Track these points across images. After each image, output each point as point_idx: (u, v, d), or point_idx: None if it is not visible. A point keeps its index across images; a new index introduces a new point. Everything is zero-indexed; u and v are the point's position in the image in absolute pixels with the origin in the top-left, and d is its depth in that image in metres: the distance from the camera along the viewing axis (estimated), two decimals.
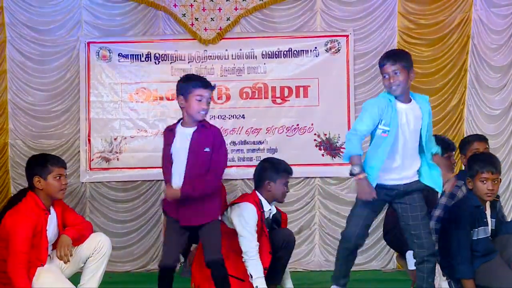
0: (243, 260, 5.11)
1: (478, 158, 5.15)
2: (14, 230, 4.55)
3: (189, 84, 4.70)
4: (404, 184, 4.58)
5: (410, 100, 4.60)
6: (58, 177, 4.77)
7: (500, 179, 5.10)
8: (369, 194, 4.43)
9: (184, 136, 4.69)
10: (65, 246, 4.67)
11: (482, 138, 5.99)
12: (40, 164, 4.81)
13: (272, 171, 5.39)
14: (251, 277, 5.06)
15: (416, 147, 4.58)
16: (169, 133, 4.78)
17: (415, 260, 4.66)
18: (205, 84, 4.71)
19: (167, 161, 4.72)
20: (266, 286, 5.09)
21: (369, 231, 6.89)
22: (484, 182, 4.92)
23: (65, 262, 4.70)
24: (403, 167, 4.56)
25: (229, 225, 5.25)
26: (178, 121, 4.80)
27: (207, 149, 4.66)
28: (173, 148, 4.69)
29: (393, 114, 4.49)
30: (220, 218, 4.87)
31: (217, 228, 4.75)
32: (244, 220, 5.15)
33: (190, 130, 4.69)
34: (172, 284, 4.76)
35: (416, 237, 4.57)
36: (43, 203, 4.73)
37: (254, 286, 5.09)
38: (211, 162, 4.67)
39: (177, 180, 4.64)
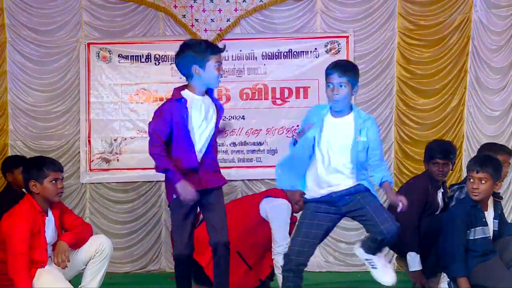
0: (274, 253, 5.25)
1: (471, 159, 5.24)
2: (11, 232, 4.55)
3: (207, 51, 4.39)
4: (335, 191, 4.28)
5: (345, 114, 4.32)
6: (54, 181, 4.75)
7: (499, 182, 5.10)
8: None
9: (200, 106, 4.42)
10: (61, 252, 4.67)
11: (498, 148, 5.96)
12: (35, 168, 4.79)
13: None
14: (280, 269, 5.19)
15: (344, 164, 4.26)
16: (178, 104, 4.38)
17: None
18: (220, 49, 4.46)
19: (185, 142, 4.36)
20: None
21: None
22: (471, 179, 4.99)
23: (62, 268, 4.70)
24: (329, 182, 4.28)
25: (263, 214, 5.36)
26: (179, 89, 4.47)
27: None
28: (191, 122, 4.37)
29: (319, 122, 4.29)
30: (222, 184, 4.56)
31: (223, 202, 4.49)
32: (286, 217, 5.32)
33: (206, 99, 4.45)
34: (191, 273, 4.58)
35: (373, 226, 4.23)
36: (40, 205, 4.73)
37: (280, 279, 5.20)
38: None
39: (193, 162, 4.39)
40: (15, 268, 4.50)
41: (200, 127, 4.37)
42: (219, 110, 4.52)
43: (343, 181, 4.27)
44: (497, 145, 6.15)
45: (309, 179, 4.36)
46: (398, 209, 4.24)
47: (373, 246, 4.34)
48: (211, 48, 4.41)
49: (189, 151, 4.35)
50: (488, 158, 5.20)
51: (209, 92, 4.48)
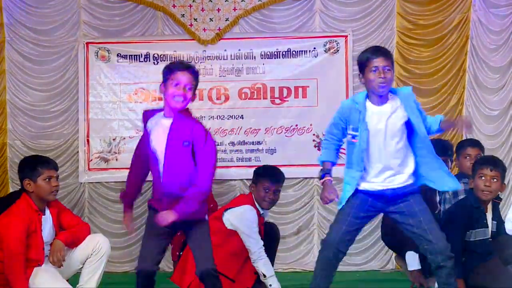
0: (252, 261, 5.20)
1: (481, 158, 5.21)
2: (7, 232, 4.56)
3: (169, 68, 4.31)
4: (392, 189, 4.26)
5: (386, 100, 4.27)
6: (47, 179, 4.76)
7: (505, 184, 5.12)
8: (328, 196, 4.20)
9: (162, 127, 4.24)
10: (57, 251, 4.68)
11: (475, 144, 5.97)
12: (29, 166, 4.81)
13: (254, 175, 5.52)
14: (264, 276, 5.16)
15: (401, 148, 4.24)
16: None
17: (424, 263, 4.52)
18: (183, 66, 4.29)
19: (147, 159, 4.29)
20: (279, 285, 5.18)
21: (367, 232, 7.03)
22: (482, 177, 4.95)
23: (58, 267, 4.70)
24: (386, 172, 4.25)
25: (228, 226, 5.31)
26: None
27: (186, 143, 4.16)
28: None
29: (361, 117, 4.22)
30: (206, 218, 4.37)
31: (208, 232, 4.30)
32: (250, 222, 5.24)
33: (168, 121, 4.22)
34: None
35: (426, 243, 4.22)
36: (36, 204, 4.74)
37: (268, 285, 5.18)
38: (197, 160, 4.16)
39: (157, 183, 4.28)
40: (11, 268, 4.51)
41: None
42: (195, 134, 4.17)
43: (399, 175, 4.24)
44: (471, 140, 6.21)
45: (364, 176, 4.28)
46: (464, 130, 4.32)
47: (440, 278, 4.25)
48: (173, 65, 4.33)
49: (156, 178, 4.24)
50: (498, 158, 5.22)
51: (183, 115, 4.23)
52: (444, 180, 4.29)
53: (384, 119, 4.21)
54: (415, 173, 4.31)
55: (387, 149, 4.21)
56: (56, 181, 4.84)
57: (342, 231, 4.24)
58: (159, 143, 4.17)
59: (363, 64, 4.24)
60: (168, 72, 4.28)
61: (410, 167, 4.28)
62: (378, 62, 4.17)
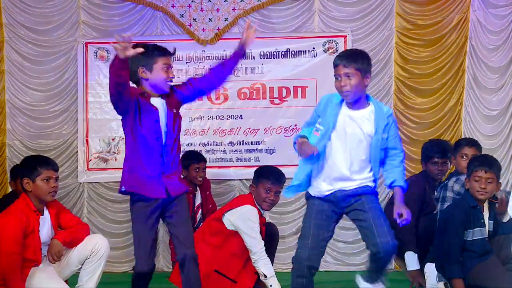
0: (253, 261, 5.20)
1: (476, 158, 5.20)
2: (4, 232, 4.57)
3: (153, 53, 4.36)
4: (342, 190, 4.14)
5: (361, 107, 4.16)
6: (46, 180, 4.76)
7: (500, 183, 5.12)
8: (307, 150, 4.01)
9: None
10: (55, 250, 4.68)
11: (473, 144, 5.95)
12: (29, 166, 4.81)
13: (255, 175, 5.51)
14: (265, 276, 5.16)
15: (362, 161, 4.14)
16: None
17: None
18: (168, 51, 4.41)
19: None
20: (279, 286, 5.18)
21: None
22: (477, 180, 4.96)
23: (53, 263, 4.71)
24: (338, 176, 4.14)
25: (229, 227, 5.31)
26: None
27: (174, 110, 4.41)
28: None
29: (333, 114, 4.13)
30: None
31: (188, 213, 4.44)
32: (252, 223, 5.24)
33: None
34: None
35: (370, 238, 4.08)
36: (34, 204, 4.74)
37: (268, 285, 5.18)
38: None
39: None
40: (7, 268, 4.51)
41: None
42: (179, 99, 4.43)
43: (351, 181, 4.13)
44: (469, 140, 6.21)
45: (316, 174, 4.19)
46: (398, 221, 4.08)
47: (371, 268, 4.19)
48: (158, 50, 4.36)
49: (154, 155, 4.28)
50: (493, 158, 5.23)
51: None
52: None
53: (353, 124, 4.12)
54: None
55: (347, 154, 4.12)
56: (55, 182, 4.84)
57: (309, 246, 4.11)
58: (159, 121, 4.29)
59: (334, 69, 4.17)
60: (158, 55, 4.34)
61: (366, 176, 4.18)
62: (339, 69, 4.09)
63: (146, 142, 4.25)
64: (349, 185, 4.14)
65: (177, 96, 4.43)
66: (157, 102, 4.34)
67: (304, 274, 4.12)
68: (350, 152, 4.11)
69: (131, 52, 4.02)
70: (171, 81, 4.37)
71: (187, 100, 4.53)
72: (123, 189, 4.36)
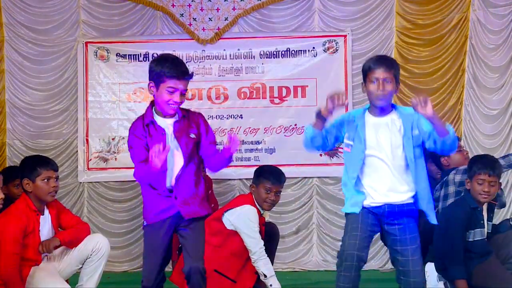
0: (253, 261, 5.20)
1: (477, 160, 5.17)
2: (3, 232, 4.56)
3: (163, 70, 4.12)
4: (388, 204, 4.07)
5: (387, 113, 4.15)
6: (46, 180, 4.76)
7: (500, 183, 5.12)
8: (331, 102, 3.92)
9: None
10: (48, 242, 4.69)
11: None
12: (29, 166, 4.82)
13: (255, 175, 5.50)
14: (265, 276, 5.15)
15: (401, 165, 4.08)
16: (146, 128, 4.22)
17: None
18: (180, 75, 4.12)
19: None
20: (279, 285, 5.18)
21: None
22: (481, 183, 4.94)
23: (42, 252, 4.71)
24: (383, 187, 4.07)
25: (229, 226, 5.30)
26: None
27: (193, 135, 4.23)
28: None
29: (358, 127, 4.10)
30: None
31: (203, 233, 4.31)
32: (251, 222, 5.24)
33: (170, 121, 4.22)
34: None
35: (403, 274, 4.08)
36: (35, 204, 4.74)
37: (268, 285, 5.18)
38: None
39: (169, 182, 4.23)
40: (6, 267, 4.51)
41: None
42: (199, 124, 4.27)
43: (400, 191, 4.07)
44: None
45: (364, 184, 4.13)
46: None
47: None
48: (170, 70, 4.10)
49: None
50: (495, 159, 5.22)
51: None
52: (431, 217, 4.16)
53: (383, 130, 4.10)
54: (415, 195, 4.14)
55: (386, 163, 4.08)
56: (55, 182, 4.83)
57: (358, 237, 3.99)
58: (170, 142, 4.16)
59: (365, 73, 4.13)
60: (162, 75, 4.12)
61: (410, 186, 4.11)
62: (379, 73, 4.05)
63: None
64: (393, 200, 4.07)
65: (198, 122, 4.30)
66: (164, 124, 4.21)
67: (352, 267, 3.93)
68: (389, 161, 4.08)
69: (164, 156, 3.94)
70: (175, 105, 4.15)
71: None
72: (145, 223, 4.33)
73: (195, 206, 4.24)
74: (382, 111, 4.13)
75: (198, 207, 4.27)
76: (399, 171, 4.09)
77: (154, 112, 4.24)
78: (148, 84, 4.19)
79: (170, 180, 4.20)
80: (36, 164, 4.82)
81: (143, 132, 4.17)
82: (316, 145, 4.17)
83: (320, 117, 4.03)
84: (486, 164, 5.02)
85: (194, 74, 4.27)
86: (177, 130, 4.19)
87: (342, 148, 4.30)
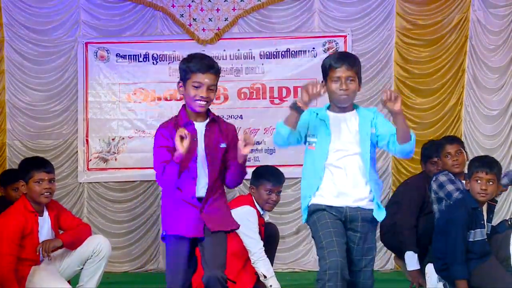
0: (252, 262, 5.20)
1: (476, 159, 5.19)
2: (0, 233, 4.57)
3: (190, 66, 3.94)
4: (350, 207, 3.88)
5: (351, 110, 3.98)
6: (39, 182, 4.77)
7: (501, 184, 5.11)
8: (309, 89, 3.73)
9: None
10: (49, 242, 4.68)
11: (453, 140, 5.92)
12: (23, 168, 4.86)
13: (254, 176, 5.48)
14: (265, 277, 5.16)
15: (361, 166, 3.89)
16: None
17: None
18: (205, 67, 3.92)
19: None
20: (279, 286, 5.18)
21: None
22: (478, 181, 4.95)
23: (44, 256, 4.71)
24: (344, 186, 3.88)
25: None
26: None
27: (223, 145, 3.99)
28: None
29: (321, 123, 3.92)
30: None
31: (225, 242, 4.04)
32: (251, 223, 5.23)
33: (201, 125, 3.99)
34: None
35: (355, 278, 3.95)
36: (32, 205, 4.75)
37: (268, 285, 5.17)
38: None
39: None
40: (1, 268, 4.52)
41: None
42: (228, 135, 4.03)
43: (359, 190, 3.90)
44: (448, 137, 6.18)
45: (320, 186, 3.94)
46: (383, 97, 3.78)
47: None
48: (195, 64, 3.93)
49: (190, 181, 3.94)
50: (493, 159, 5.22)
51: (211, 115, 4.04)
52: (379, 212, 3.97)
53: (348, 126, 3.93)
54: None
55: (348, 162, 3.90)
56: (49, 183, 4.83)
57: (337, 254, 3.76)
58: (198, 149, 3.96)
59: (325, 71, 3.93)
60: (188, 71, 3.95)
61: (367, 188, 3.93)
62: (341, 72, 3.87)
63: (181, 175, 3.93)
64: (355, 198, 3.91)
65: (229, 133, 4.06)
66: (197, 125, 4.00)
67: (339, 283, 3.71)
68: (350, 160, 3.91)
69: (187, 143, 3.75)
70: (203, 101, 3.93)
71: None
72: (163, 233, 4.05)
73: (220, 221, 4.02)
74: (344, 109, 3.96)
75: (224, 221, 4.05)
76: (357, 169, 3.91)
77: (188, 115, 4.02)
78: (177, 84, 4.05)
79: (199, 190, 3.97)
80: (29, 166, 4.86)
81: (174, 133, 3.89)
82: (291, 141, 3.93)
83: (296, 109, 3.81)
84: (483, 162, 5.04)
85: (219, 68, 4.04)
86: (207, 136, 3.98)
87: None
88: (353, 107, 4.02)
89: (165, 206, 4.07)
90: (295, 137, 3.93)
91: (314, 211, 3.93)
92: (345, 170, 3.90)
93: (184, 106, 4.07)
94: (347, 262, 3.82)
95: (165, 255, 4.08)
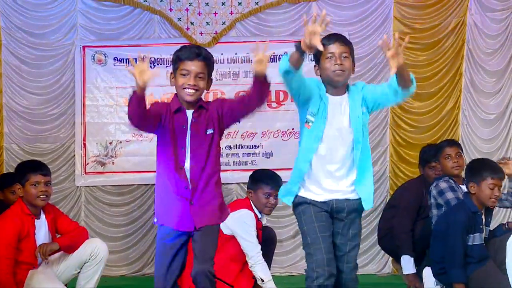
0: (250, 266, 5.19)
1: (486, 163, 5.14)
2: None
3: (175, 56, 3.97)
4: (338, 199, 3.85)
5: (344, 92, 3.87)
6: (35, 185, 4.78)
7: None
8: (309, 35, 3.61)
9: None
10: (46, 245, 4.68)
11: (453, 143, 5.93)
12: (19, 171, 4.87)
13: (251, 180, 5.47)
14: (262, 281, 5.16)
15: (352, 154, 3.83)
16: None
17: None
18: (192, 54, 3.91)
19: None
20: None
21: (364, 235, 7.02)
22: (492, 187, 4.92)
23: (42, 259, 4.70)
24: (333, 180, 3.84)
25: (226, 231, 5.30)
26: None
27: (210, 131, 3.97)
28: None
29: (321, 104, 3.80)
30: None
31: (216, 238, 4.00)
32: (248, 227, 5.23)
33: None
34: None
35: (340, 263, 3.90)
36: (29, 209, 4.75)
37: None
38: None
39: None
40: (0, 272, 4.51)
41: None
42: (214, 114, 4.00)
43: (347, 181, 3.85)
44: (447, 140, 6.19)
45: (307, 177, 3.88)
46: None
47: None
48: (182, 53, 3.95)
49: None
50: (498, 164, 5.22)
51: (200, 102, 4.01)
52: (367, 201, 3.91)
53: (340, 111, 3.84)
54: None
55: (339, 147, 3.83)
56: (45, 186, 4.83)
57: (323, 250, 3.77)
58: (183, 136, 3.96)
59: (318, 52, 3.78)
60: (176, 60, 3.97)
61: (353, 174, 3.88)
62: (334, 48, 3.82)
63: (170, 163, 3.92)
64: (342, 192, 3.87)
65: (214, 111, 4.03)
66: (187, 114, 3.98)
67: (325, 284, 3.74)
68: (343, 145, 3.85)
69: (148, 75, 3.74)
70: (191, 89, 3.92)
71: (228, 119, 4.07)
72: (155, 220, 4.08)
73: (209, 215, 3.98)
74: (338, 90, 3.86)
75: (213, 215, 4.01)
76: (345, 159, 3.85)
77: (180, 101, 4.00)
78: (170, 75, 4.05)
79: (187, 178, 3.94)
80: (25, 169, 4.87)
81: (162, 110, 3.95)
82: (289, 79, 3.86)
83: (300, 50, 3.70)
84: (496, 169, 5.02)
85: (209, 56, 4.03)
86: (193, 124, 3.96)
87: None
88: (346, 89, 3.92)
89: (158, 195, 4.08)
90: (296, 81, 3.81)
91: (300, 203, 3.92)
92: (335, 158, 3.84)
93: (176, 95, 4.06)
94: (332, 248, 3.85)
95: (156, 245, 4.14)
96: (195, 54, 3.93)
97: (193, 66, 3.92)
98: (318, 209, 3.86)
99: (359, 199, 3.90)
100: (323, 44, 3.69)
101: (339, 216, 3.90)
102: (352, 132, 3.84)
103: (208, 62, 4.00)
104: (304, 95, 3.87)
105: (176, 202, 3.94)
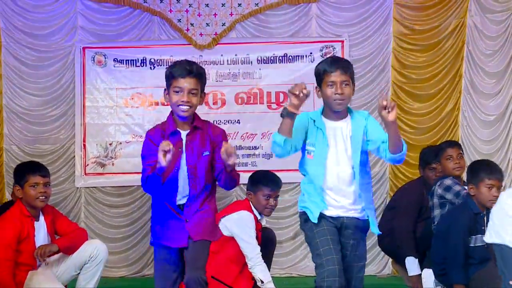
0: (249, 267, 5.18)
1: (483, 165, 5.14)
2: None
3: (168, 73, 4.09)
4: (347, 217, 3.98)
5: (343, 117, 4.01)
6: (33, 186, 4.78)
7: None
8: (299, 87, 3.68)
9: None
10: (44, 247, 4.68)
11: (454, 144, 5.95)
12: (18, 173, 4.88)
13: (251, 182, 5.47)
14: (262, 282, 5.14)
15: (355, 177, 3.94)
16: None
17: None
18: (184, 71, 4.04)
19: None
20: None
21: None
22: (491, 188, 4.92)
23: (40, 261, 4.70)
24: (339, 195, 3.96)
25: (225, 232, 5.29)
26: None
27: (206, 153, 4.14)
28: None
29: (318, 131, 3.94)
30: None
31: (207, 249, 4.25)
32: (248, 228, 5.22)
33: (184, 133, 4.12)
34: None
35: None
36: (28, 210, 4.75)
37: None
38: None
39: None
40: (0, 273, 4.51)
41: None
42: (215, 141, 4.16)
43: (354, 201, 3.96)
44: (448, 141, 6.20)
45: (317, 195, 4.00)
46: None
47: None
48: (175, 70, 4.06)
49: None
50: (498, 165, 5.23)
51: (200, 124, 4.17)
52: (373, 225, 4.05)
53: (343, 136, 3.97)
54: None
55: (342, 170, 3.96)
56: (44, 187, 4.83)
57: (335, 261, 3.84)
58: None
59: (319, 77, 3.96)
60: (169, 77, 4.08)
61: (361, 198, 4.01)
62: (335, 76, 3.90)
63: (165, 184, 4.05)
64: (351, 212, 3.99)
65: (211, 136, 4.22)
66: (183, 134, 4.14)
67: None
68: (344, 166, 3.97)
69: (169, 157, 3.83)
70: (185, 105, 4.05)
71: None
72: (152, 240, 4.26)
73: (205, 233, 4.20)
74: (338, 114, 3.98)
75: (208, 232, 4.23)
76: (352, 179, 3.97)
77: (175, 122, 4.14)
78: (164, 92, 4.15)
79: (182, 199, 4.14)
80: (24, 170, 4.87)
81: (161, 139, 4.02)
82: (288, 149, 3.86)
83: (288, 115, 3.78)
84: (495, 169, 5.01)
85: (201, 71, 4.13)
86: (188, 146, 4.09)
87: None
88: (347, 112, 4.05)
89: (154, 215, 4.23)
90: (292, 144, 3.89)
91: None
92: (342, 183, 3.96)
93: (171, 112, 4.16)
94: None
95: (154, 258, 4.28)
96: (187, 71, 4.04)
97: (186, 83, 4.03)
98: (330, 223, 3.96)
99: (365, 220, 4.02)
100: (325, 71, 3.90)
101: (346, 232, 4.00)
102: (352, 158, 3.96)
103: (200, 77, 4.11)
104: (303, 139, 4.00)
105: (172, 222, 4.12)
